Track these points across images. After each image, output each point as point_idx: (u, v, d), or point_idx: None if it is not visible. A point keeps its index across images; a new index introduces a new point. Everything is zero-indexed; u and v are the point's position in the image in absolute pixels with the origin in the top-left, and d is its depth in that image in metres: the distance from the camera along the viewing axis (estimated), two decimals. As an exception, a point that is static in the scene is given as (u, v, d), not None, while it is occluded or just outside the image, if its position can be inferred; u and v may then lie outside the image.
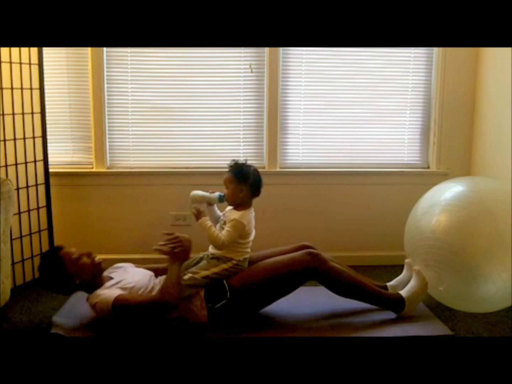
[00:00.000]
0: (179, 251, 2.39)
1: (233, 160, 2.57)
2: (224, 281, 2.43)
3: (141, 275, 2.54)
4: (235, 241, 2.46)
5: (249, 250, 2.54)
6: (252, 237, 2.54)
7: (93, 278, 2.44)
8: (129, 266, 2.65)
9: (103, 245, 3.39)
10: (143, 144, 3.40)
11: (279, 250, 2.64)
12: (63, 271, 2.39)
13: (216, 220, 2.59)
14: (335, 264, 2.54)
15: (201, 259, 2.56)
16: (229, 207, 2.55)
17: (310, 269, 2.46)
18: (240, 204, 2.50)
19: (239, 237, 2.46)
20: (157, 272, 2.60)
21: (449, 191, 2.64)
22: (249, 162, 2.59)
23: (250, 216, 2.51)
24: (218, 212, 2.62)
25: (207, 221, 2.47)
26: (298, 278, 2.49)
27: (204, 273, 2.44)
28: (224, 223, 2.49)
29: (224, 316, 2.40)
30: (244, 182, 2.47)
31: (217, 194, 2.53)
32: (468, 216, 2.48)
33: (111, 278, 2.49)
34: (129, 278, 2.48)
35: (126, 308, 2.30)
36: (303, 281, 2.51)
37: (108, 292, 2.35)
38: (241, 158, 2.62)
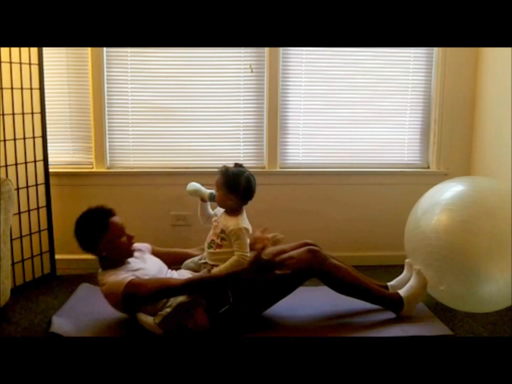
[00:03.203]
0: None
1: (224, 166, 2.53)
2: (229, 291, 2.39)
3: (157, 267, 2.54)
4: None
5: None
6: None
7: (118, 257, 2.44)
8: (147, 251, 2.64)
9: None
10: (143, 144, 3.40)
11: (281, 248, 2.63)
12: (103, 235, 2.39)
13: (206, 217, 2.60)
14: (335, 262, 2.54)
15: (201, 266, 2.56)
16: (221, 210, 2.55)
17: (311, 267, 2.46)
18: (231, 210, 2.49)
19: None
20: (175, 258, 2.66)
21: (449, 191, 2.64)
22: (244, 163, 2.59)
23: (246, 219, 2.50)
24: (210, 210, 2.62)
25: (219, 270, 2.43)
26: (299, 276, 2.48)
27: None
28: (222, 231, 2.46)
29: (227, 319, 2.39)
30: (233, 191, 2.45)
31: (209, 191, 2.55)
32: (469, 215, 2.47)
33: (129, 263, 2.47)
34: (146, 269, 2.46)
35: (138, 293, 2.29)
36: (304, 279, 2.51)
37: (123, 275, 2.34)
38: (237, 160, 2.59)
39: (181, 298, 2.33)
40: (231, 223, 2.45)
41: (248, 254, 2.41)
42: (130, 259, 2.49)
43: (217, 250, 2.49)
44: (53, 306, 2.75)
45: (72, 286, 3.00)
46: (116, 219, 2.46)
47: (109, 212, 2.46)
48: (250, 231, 2.48)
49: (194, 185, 2.62)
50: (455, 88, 3.40)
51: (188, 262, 2.65)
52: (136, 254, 2.53)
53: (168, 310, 2.31)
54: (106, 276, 2.38)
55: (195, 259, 2.64)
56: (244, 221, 2.48)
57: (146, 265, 2.50)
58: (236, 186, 2.45)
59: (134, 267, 2.45)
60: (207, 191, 2.57)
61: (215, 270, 2.43)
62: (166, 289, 2.32)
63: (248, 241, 2.45)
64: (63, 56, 3.27)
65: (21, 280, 2.98)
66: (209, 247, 2.52)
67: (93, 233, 2.41)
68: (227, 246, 2.47)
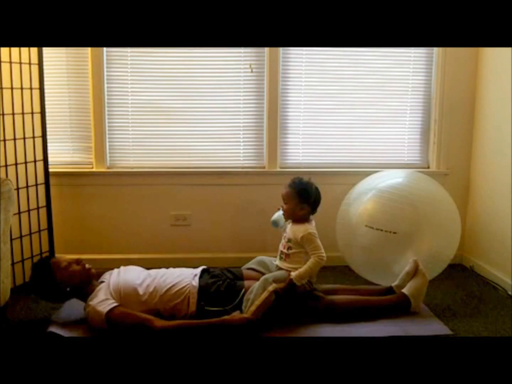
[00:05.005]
0: None
1: (297, 177, 2.63)
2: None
3: (135, 271, 2.57)
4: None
5: None
6: None
7: (82, 284, 2.47)
8: (122, 268, 2.64)
9: (103, 245, 3.40)
10: (143, 144, 3.40)
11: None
12: (51, 279, 2.43)
13: None
14: (329, 298, 2.58)
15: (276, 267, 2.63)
16: (288, 223, 2.62)
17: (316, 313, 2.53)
18: (300, 219, 2.56)
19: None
20: None
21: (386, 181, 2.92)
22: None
23: (313, 226, 2.58)
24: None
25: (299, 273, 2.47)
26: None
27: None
28: (289, 240, 2.54)
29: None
30: (306, 201, 2.55)
31: (279, 213, 2.63)
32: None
33: (103, 281, 2.50)
34: (125, 280, 2.47)
35: (121, 322, 2.32)
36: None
37: (101, 304, 2.34)
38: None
39: (265, 294, 2.38)
40: (299, 230, 2.52)
41: (324, 253, 2.48)
42: (103, 278, 2.53)
43: (287, 260, 2.56)
44: (53, 306, 2.75)
45: (72, 286, 3.00)
46: (54, 259, 2.52)
47: (46, 259, 2.56)
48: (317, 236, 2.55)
49: (278, 215, 2.66)
50: (455, 89, 3.40)
51: (263, 258, 2.73)
52: (111, 273, 2.55)
53: (252, 309, 2.37)
54: (86, 307, 2.42)
55: (272, 259, 2.69)
56: (311, 226, 2.55)
57: (125, 275, 2.51)
58: (310, 195, 2.56)
59: (108, 282, 2.47)
60: (279, 214, 2.65)
61: (294, 274, 2.46)
62: (144, 328, 2.30)
63: (319, 242, 2.51)
64: (63, 56, 3.27)
65: (21, 280, 2.98)
66: (280, 258, 2.61)
67: (47, 284, 2.45)
68: (294, 255, 2.53)
